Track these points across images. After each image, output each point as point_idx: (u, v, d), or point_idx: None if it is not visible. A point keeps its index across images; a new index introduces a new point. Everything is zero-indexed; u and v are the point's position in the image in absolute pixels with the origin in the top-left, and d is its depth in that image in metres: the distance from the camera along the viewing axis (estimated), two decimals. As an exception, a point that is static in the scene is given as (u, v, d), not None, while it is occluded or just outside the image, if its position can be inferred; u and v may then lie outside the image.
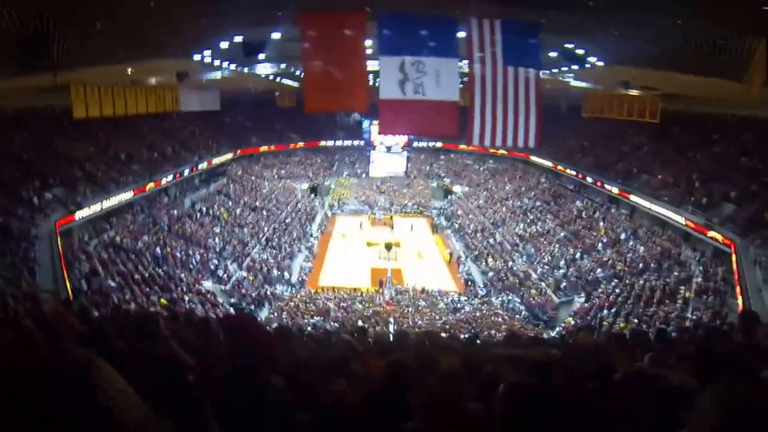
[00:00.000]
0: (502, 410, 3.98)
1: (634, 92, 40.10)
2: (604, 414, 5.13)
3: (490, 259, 53.59)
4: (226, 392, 3.98)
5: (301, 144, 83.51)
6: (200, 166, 61.79)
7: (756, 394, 1.80)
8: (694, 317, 32.45)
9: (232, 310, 38.06)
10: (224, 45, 31.52)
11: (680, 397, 4.42)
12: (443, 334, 24.12)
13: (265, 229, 58.96)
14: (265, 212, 63.55)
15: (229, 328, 4.86)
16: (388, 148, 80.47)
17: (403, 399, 4.85)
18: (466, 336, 22.22)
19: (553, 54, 32.41)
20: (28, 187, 36.88)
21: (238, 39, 29.41)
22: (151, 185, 49.76)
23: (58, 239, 33.23)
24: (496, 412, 4.04)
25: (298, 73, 49.34)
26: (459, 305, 44.28)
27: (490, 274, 50.94)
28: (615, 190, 52.59)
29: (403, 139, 76.39)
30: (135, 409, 1.95)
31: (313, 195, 76.90)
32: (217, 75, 42.66)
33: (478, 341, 18.00)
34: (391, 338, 16.67)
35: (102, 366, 1.94)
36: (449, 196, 77.38)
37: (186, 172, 58.12)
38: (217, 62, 38.18)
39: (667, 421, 4.14)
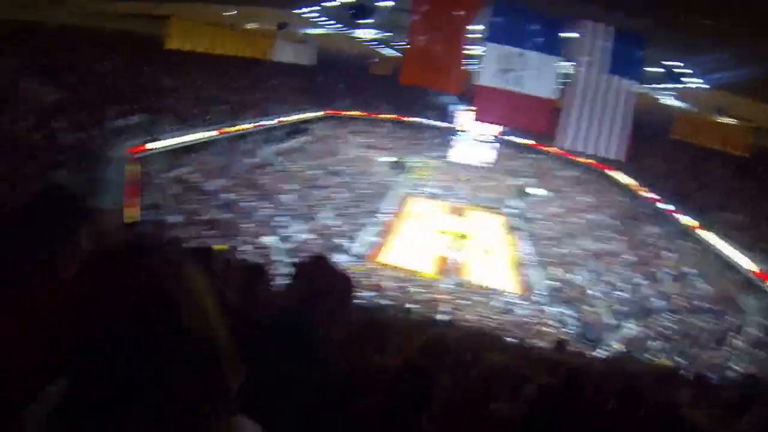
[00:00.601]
0: (527, 411, 4.14)
1: (727, 121, 38.89)
2: None
3: (554, 268, 52.79)
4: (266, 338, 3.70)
5: (390, 116, 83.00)
6: (285, 120, 61.69)
7: None
8: (739, 368, 31.56)
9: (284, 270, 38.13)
10: (333, 3, 31.21)
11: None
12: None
13: (340, 194, 58.77)
14: (342, 178, 63.37)
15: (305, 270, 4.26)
16: (476, 137, 79.24)
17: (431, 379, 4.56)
18: (512, 340, 22.01)
19: (656, 70, 31.57)
20: (111, 110, 36.86)
21: (350, 0, 29.10)
22: (233, 129, 49.85)
23: (131, 167, 33.18)
24: (519, 412, 4.21)
25: (400, 44, 48.76)
26: (513, 308, 43.78)
27: (551, 282, 50.20)
28: (690, 222, 51.32)
29: (492, 129, 75.50)
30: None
31: (394, 170, 76.16)
32: (318, 31, 42.37)
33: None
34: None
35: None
36: (528, 197, 75.96)
37: (270, 123, 58.06)
38: (321, 19, 37.88)
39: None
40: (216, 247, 32.85)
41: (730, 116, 37.69)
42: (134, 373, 1.60)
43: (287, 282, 4.04)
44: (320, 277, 3.98)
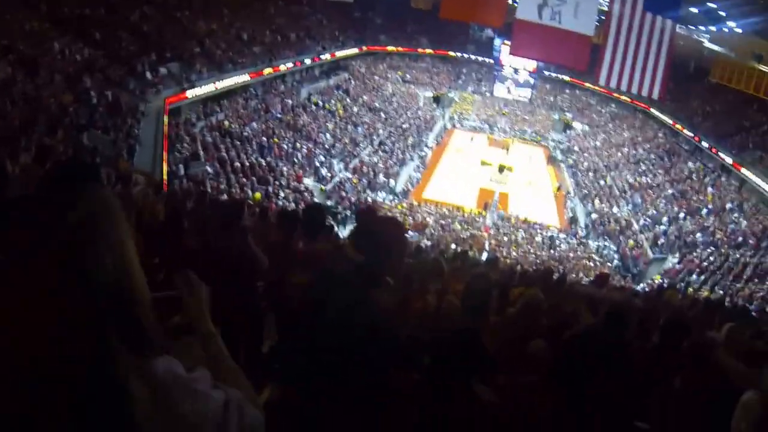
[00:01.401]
0: (565, 351, 4.10)
1: (765, 69, 38.41)
2: (661, 373, 5.34)
3: (596, 201, 52.61)
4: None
5: (429, 51, 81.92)
6: (323, 57, 61.11)
7: None
8: None
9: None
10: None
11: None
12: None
13: (380, 131, 58.41)
14: (383, 114, 62.93)
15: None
16: (516, 71, 78.03)
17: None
18: (555, 275, 22.05)
19: (693, 10, 31.13)
20: (144, 61, 36.72)
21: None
22: (269, 70, 49.49)
23: (165, 118, 33.27)
24: (559, 352, 4.11)
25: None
26: (556, 242, 43.75)
27: (594, 215, 50.09)
28: (729, 159, 50.64)
29: (532, 64, 74.55)
30: None
31: (434, 104, 75.51)
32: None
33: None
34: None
35: None
36: (568, 131, 75.47)
37: (307, 62, 57.61)
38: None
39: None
40: (256, 196, 33.16)
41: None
42: None
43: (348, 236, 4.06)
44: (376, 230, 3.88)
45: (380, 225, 3.94)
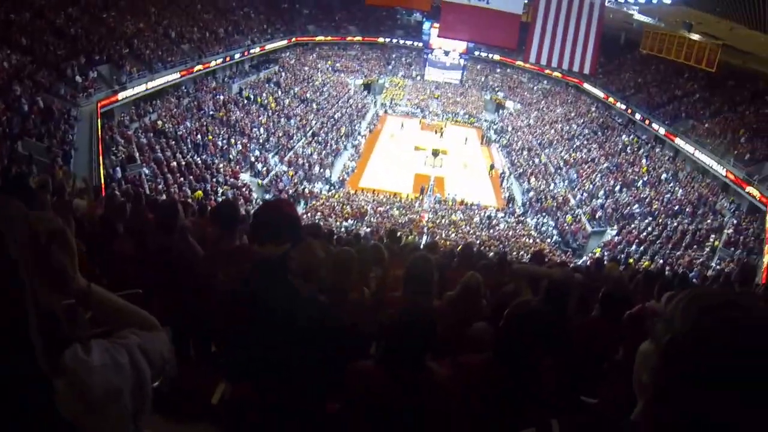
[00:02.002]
0: (505, 330, 3.98)
1: (695, 37, 39.12)
2: (604, 346, 5.51)
3: (532, 179, 53.50)
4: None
5: (358, 38, 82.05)
6: (252, 51, 60.89)
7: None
8: (718, 267, 32.42)
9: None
10: None
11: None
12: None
13: (313, 122, 58.55)
14: (314, 105, 62.94)
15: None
16: (446, 53, 78.38)
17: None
18: (495, 253, 22.30)
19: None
20: (73, 65, 36.20)
21: None
22: (199, 67, 49.27)
23: (98, 121, 32.84)
24: (499, 332, 4.06)
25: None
26: (494, 221, 44.33)
27: (531, 193, 50.97)
28: (662, 130, 51.73)
29: (461, 45, 74.99)
30: None
31: (365, 92, 75.98)
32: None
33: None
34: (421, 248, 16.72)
35: None
36: (500, 111, 76.44)
37: (237, 56, 57.36)
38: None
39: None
40: (197, 194, 33.11)
41: (697, 33, 37.82)
42: None
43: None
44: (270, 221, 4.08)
45: (268, 210, 4.18)
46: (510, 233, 41.39)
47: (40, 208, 9.17)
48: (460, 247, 12.72)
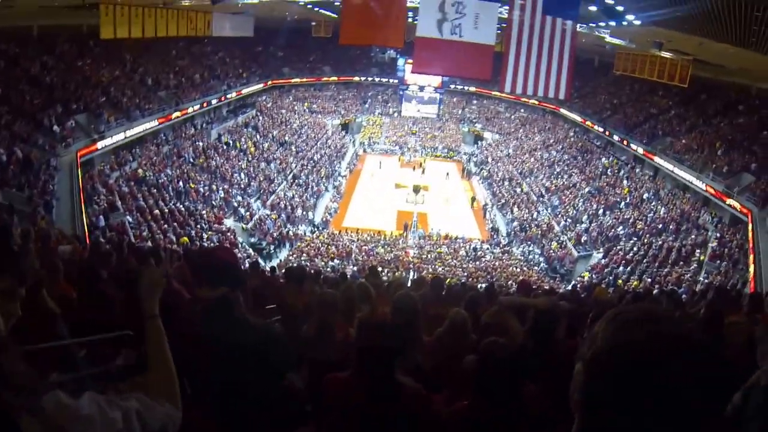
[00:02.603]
0: (481, 370, 4.13)
1: (666, 55, 39.57)
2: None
3: (515, 209, 53.80)
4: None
5: (333, 78, 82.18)
6: (229, 96, 60.76)
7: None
8: (706, 280, 32.72)
9: (250, 250, 38.23)
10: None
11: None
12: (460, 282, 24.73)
13: (293, 165, 58.50)
14: (293, 147, 62.95)
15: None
16: (422, 89, 78.44)
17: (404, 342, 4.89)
18: (483, 285, 22.33)
19: (592, 8, 31.79)
20: (50, 114, 35.94)
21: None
22: (177, 114, 49.07)
23: (79, 171, 32.69)
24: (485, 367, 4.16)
25: (337, 4, 48.33)
26: (480, 253, 44.37)
27: (515, 223, 51.17)
28: (640, 150, 52.31)
29: (436, 80, 75.18)
30: None
31: (343, 132, 76.09)
32: (254, 0, 41.84)
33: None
34: (409, 284, 16.71)
35: None
36: (479, 142, 76.80)
37: (214, 102, 57.26)
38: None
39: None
40: (183, 240, 33.05)
41: (668, 50, 38.22)
42: None
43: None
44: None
45: (203, 257, 4.43)
46: (497, 264, 41.33)
47: (25, 258, 9.13)
48: (430, 281, 12.75)
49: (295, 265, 30.87)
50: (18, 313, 2.98)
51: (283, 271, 15.20)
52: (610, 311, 1.73)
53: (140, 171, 40.75)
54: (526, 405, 4.10)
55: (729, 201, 38.64)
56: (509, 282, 33.36)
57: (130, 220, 32.93)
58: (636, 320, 1.62)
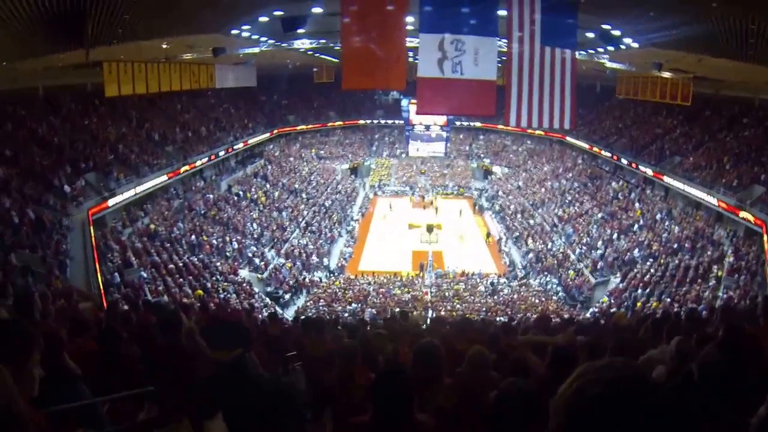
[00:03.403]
0: (494, 412, 4.04)
1: (666, 75, 39.57)
2: None
3: (530, 241, 53.60)
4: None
5: (339, 123, 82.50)
6: (236, 147, 60.94)
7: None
8: (725, 296, 32.52)
9: (267, 299, 38.09)
10: (263, 19, 30.76)
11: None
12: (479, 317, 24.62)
13: (305, 212, 58.42)
14: (304, 195, 62.92)
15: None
16: (427, 128, 78.87)
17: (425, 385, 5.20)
18: (502, 320, 22.15)
19: (590, 34, 31.83)
20: (60, 174, 35.88)
21: (278, 14, 28.66)
22: (185, 168, 49.13)
23: (91, 229, 32.56)
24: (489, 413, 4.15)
25: (337, 48, 48.47)
26: (498, 287, 44.07)
27: (530, 255, 51.05)
28: (649, 171, 52.21)
29: (442, 118, 75.37)
30: None
31: (353, 176, 76.14)
32: (255, 50, 42.03)
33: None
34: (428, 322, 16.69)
35: None
36: (489, 177, 76.86)
37: (221, 153, 57.37)
38: (255, 37, 37.41)
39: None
40: (198, 292, 32.96)
41: (668, 70, 38.22)
42: None
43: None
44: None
45: (214, 323, 4.57)
46: (515, 296, 41.15)
47: (44, 318, 9.12)
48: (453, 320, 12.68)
49: (312, 314, 30.91)
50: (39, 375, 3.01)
51: (300, 322, 15.03)
52: (579, 368, 1.92)
53: (152, 226, 40.68)
54: None
55: (742, 214, 38.44)
56: (528, 314, 33.26)
57: (145, 275, 32.73)
58: (600, 369, 1.83)
